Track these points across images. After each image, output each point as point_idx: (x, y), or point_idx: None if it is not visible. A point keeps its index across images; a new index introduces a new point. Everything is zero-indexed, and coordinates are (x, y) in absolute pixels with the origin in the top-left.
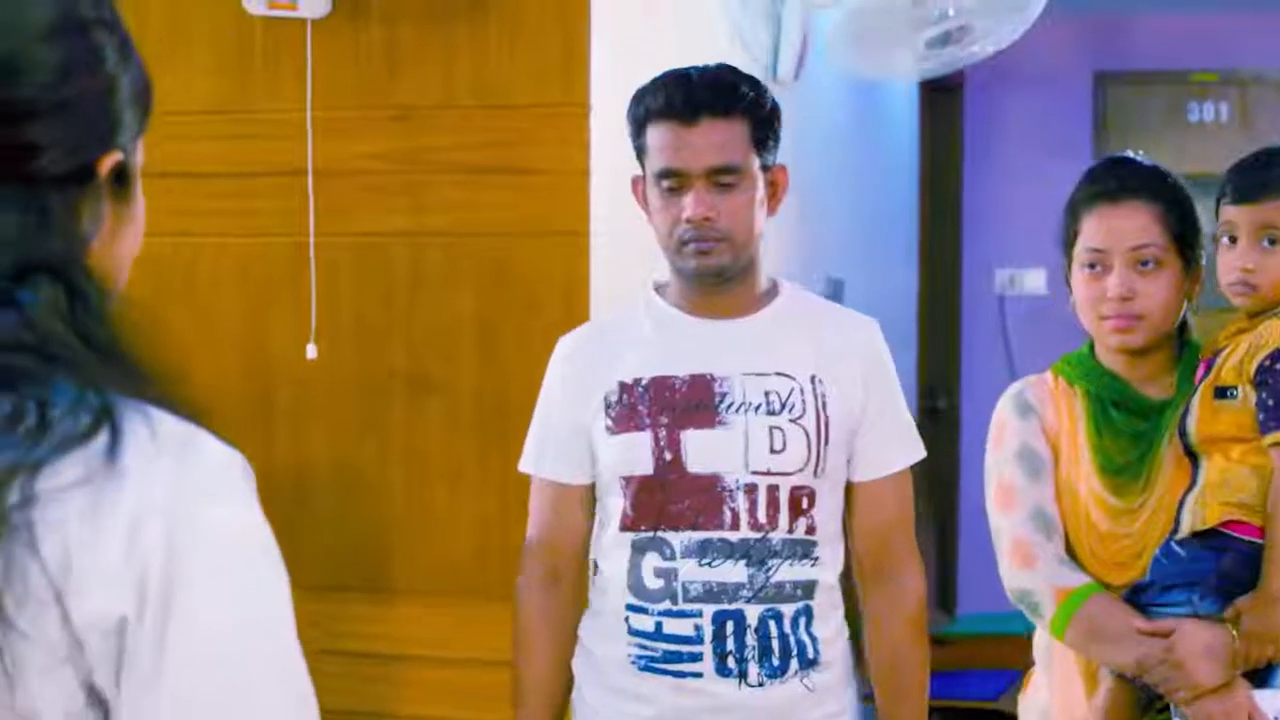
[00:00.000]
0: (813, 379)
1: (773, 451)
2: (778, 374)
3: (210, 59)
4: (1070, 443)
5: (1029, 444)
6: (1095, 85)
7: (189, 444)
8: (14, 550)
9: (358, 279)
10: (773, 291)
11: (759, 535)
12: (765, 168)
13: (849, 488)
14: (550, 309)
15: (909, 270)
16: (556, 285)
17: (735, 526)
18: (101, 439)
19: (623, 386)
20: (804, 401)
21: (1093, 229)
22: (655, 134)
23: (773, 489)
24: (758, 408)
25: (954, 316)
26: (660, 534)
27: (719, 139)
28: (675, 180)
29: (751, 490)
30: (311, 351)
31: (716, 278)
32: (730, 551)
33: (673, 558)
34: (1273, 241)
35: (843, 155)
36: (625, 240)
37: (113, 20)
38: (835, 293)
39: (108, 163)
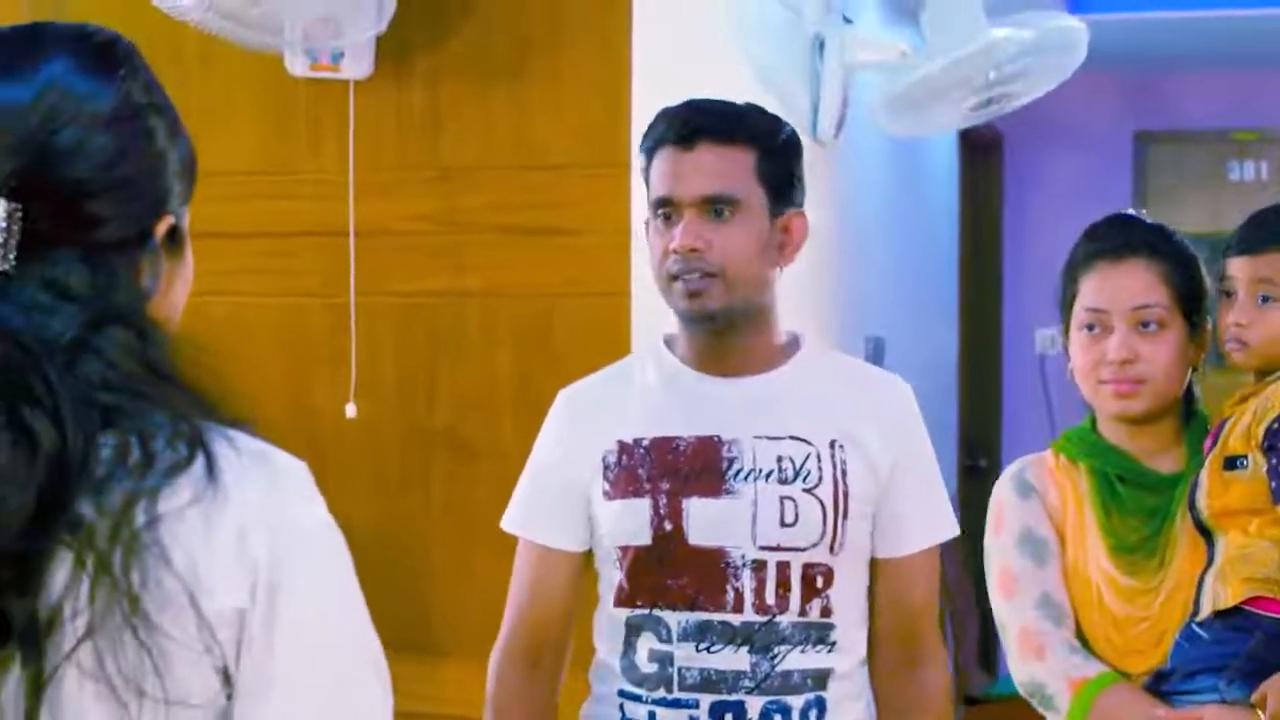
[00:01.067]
0: (832, 444)
1: (784, 524)
2: (792, 438)
3: (253, 120)
4: (1077, 524)
5: (1031, 527)
6: (1135, 143)
7: (267, 458)
8: (149, 563)
9: (398, 339)
10: (793, 347)
11: (765, 619)
12: (777, 210)
13: (872, 564)
14: (591, 369)
15: (949, 329)
16: (597, 346)
17: (739, 608)
18: (199, 463)
19: (622, 446)
20: (821, 469)
21: (1092, 289)
22: (656, 163)
23: (783, 566)
24: (769, 475)
25: (994, 375)
26: (656, 612)
27: (715, 165)
28: (668, 209)
29: (760, 568)
30: (351, 411)
31: (710, 322)
32: (732, 636)
33: (669, 640)
34: (1266, 299)
35: (883, 214)
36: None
37: (163, 104)
38: (876, 351)
39: (162, 227)
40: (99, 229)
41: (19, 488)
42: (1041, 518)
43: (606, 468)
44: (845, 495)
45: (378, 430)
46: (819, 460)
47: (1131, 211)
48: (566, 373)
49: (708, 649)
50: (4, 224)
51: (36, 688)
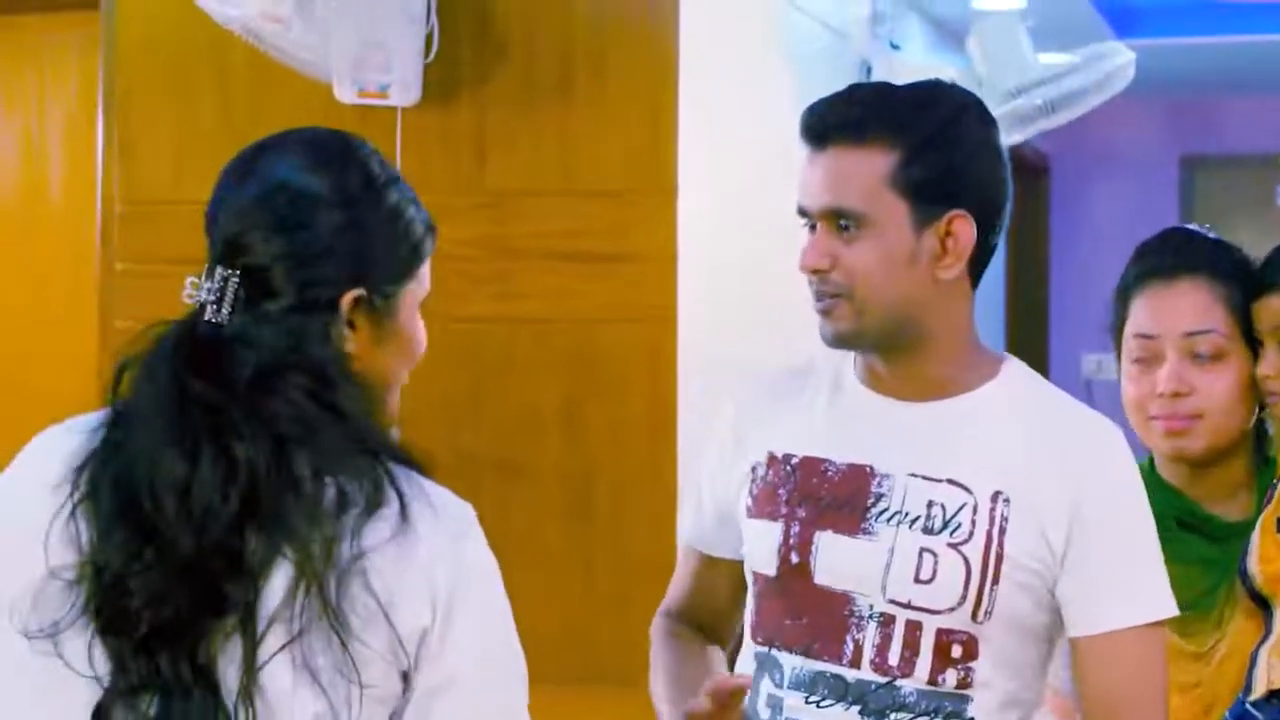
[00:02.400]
0: (995, 496)
1: (918, 580)
2: (950, 482)
3: None
4: None
5: None
6: (1182, 168)
7: (446, 502)
8: (354, 587)
9: (445, 363)
10: (989, 371)
11: (884, 680)
12: (927, 216)
13: (1072, 644)
14: (638, 394)
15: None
16: (644, 370)
17: (855, 663)
18: (395, 505)
19: (771, 460)
20: (974, 523)
21: (1142, 313)
22: (802, 160)
23: (913, 626)
24: (914, 521)
25: None
26: (774, 652)
27: (841, 173)
28: (806, 219)
29: (887, 623)
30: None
31: (846, 346)
32: (844, 692)
33: (781, 685)
34: None
35: None
36: (714, 325)
37: (375, 196)
38: None
39: (347, 299)
40: (279, 298)
41: (220, 493)
42: None
43: (753, 481)
44: (999, 559)
45: (423, 453)
46: (974, 512)
47: (1191, 226)
48: (613, 398)
49: (817, 702)
50: (220, 285)
51: (251, 666)
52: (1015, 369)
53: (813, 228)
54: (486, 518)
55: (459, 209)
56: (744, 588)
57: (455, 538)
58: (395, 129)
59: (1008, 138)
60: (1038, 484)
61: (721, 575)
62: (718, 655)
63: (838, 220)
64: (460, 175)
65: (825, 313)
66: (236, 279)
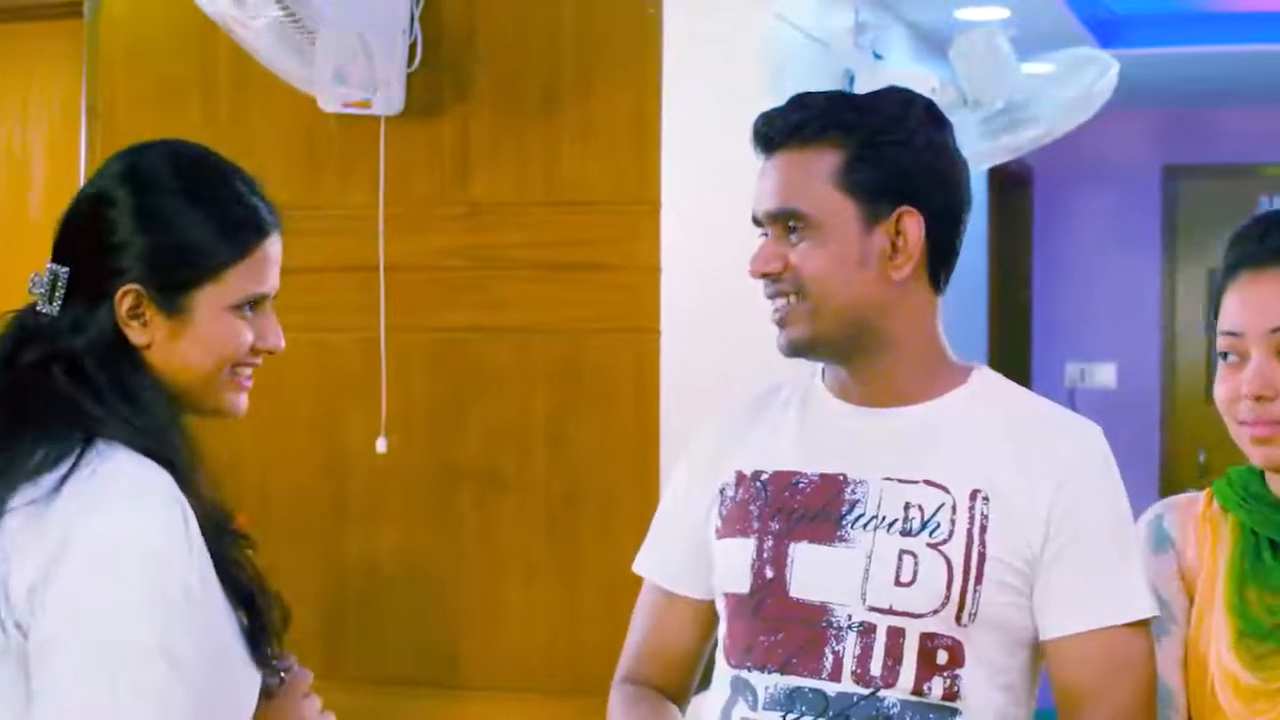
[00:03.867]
0: (974, 495)
1: (898, 583)
2: (926, 482)
3: (284, 156)
4: (1206, 592)
5: (1158, 589)
6: (1165, 178)
7: (119, 480)
8: None
9: (429, 374)
10: (957, 378)
11: (867, 691)
12: (877, 214)
13: (1044, 650)
14: (622, 406)
15: (979, 363)
16: (628, 382)
17: (836, 676)
18: (62, 472)
19: (739, 479)
20: (954, 522)
21: (1231, 306)
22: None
23: (895, 633)
24: (891, 525)
25: None
26: (746, 674)
27: (788, 176)
28: (759, 228)
29: (867, 632)
30: (382, 445)
31: (805, 354)
32: (823, 708)
33: (755, 707)
34: None
35: None
36: (698, 336)
37: (132, 198)
38: None
39: (119, 295)
40: (76, 293)
41: None
42: (1172, 578)
43: (721, 502)
44: (981, 558)
45: (408, 465)
46: (953, 512)
47: None
48: (597, 408)
49: None
50: (49, 280)
51: None
52: (987, 375)
53: (765, 237)
54: (471, 529)
55: (441, 219)
56: (707, 632)
57: (90, 509)
58: (379, 139)
59: (996, 159)
60: (1016, 482)
61: (683, 616)
62: (677, 717)
63: (787, 223)
64: (443, 185)
65: (780, 320)
66: (58, 274)
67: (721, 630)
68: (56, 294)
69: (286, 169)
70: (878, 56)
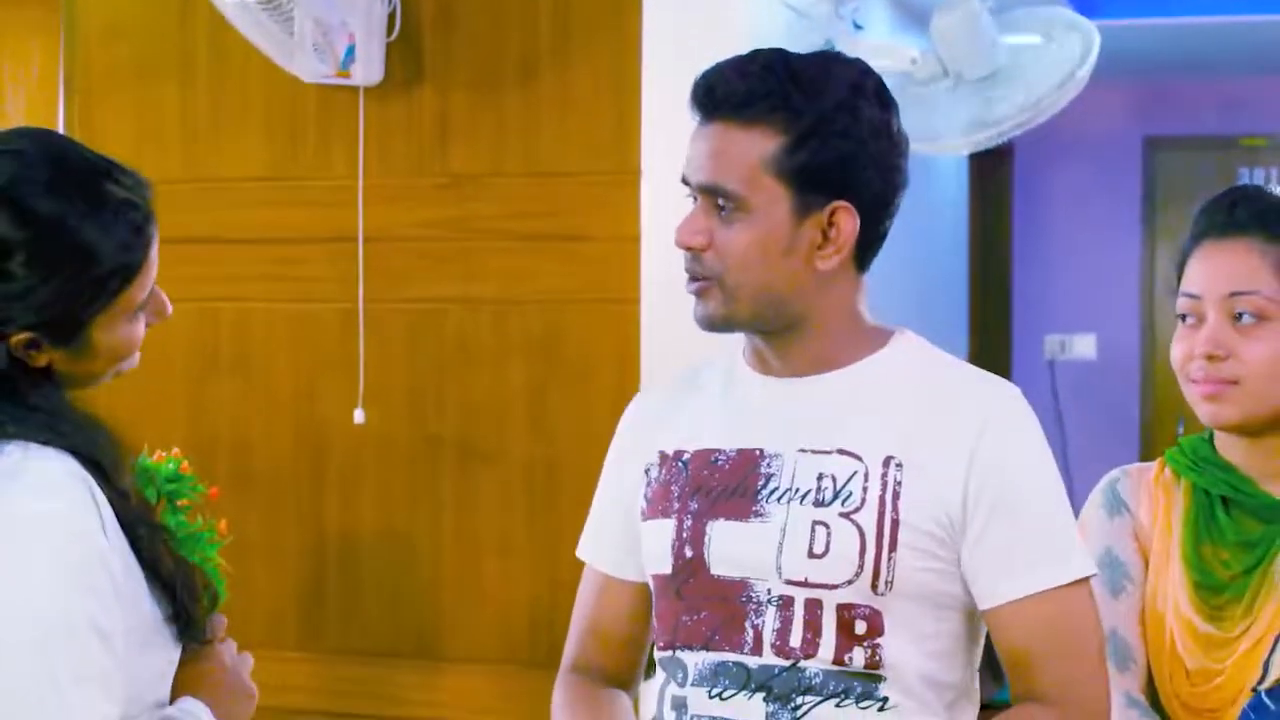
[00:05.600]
0: (886, 462)
1: (812, 555)
2: (840, 451)
3: (263, 127)
4: (1162, 550)
5: (1114, 550)
6: (1145, 150)
7: (21, 468)
8: None
9: (407, 345)
10: (876, 343)
11: (787, 663)
12: (809, 205)
13: (984, 620)
14: (601, 377)
15: (959, 337)
16: (608, 353)
17: (757, 650)
18: None
19: (662, 459)
20: (866, 490)
21: (1193, 271)
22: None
23: (813, 605)
24: (804, 496)
25: None
26: (677, 653)
27: (723, 151)
28: (688, 191)
29: (785, 605)
30: (359, 416)
31: (719, 331)
32: (746, 681)
33: (684, 684)
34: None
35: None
36: (678, 307)
37: (25, 242)
38: None
39: (14, 342)
40: None
41: None
42: (1127, 540)
43: (647, 483)
44: (894, 524)
45: (386, 436)
46: (865, 479)
47: (1258, 184)
48: (576, 380)
49: (719, 695)
50: None
51: None
52: (906, 340)
53: (693, 200)
54: (449, 500)
55: (421, 190)
56: (648, 614)
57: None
58: (357, 110)
59: (982, 144)
60: (930, 445)
61: (623, 599)
62: (624, 708)
63: (716, 199)
64: (422, 156)
65: (697, 293)
66: None
67: (653, 612)
68: None
69: (265, 140)
70: (858, 27)
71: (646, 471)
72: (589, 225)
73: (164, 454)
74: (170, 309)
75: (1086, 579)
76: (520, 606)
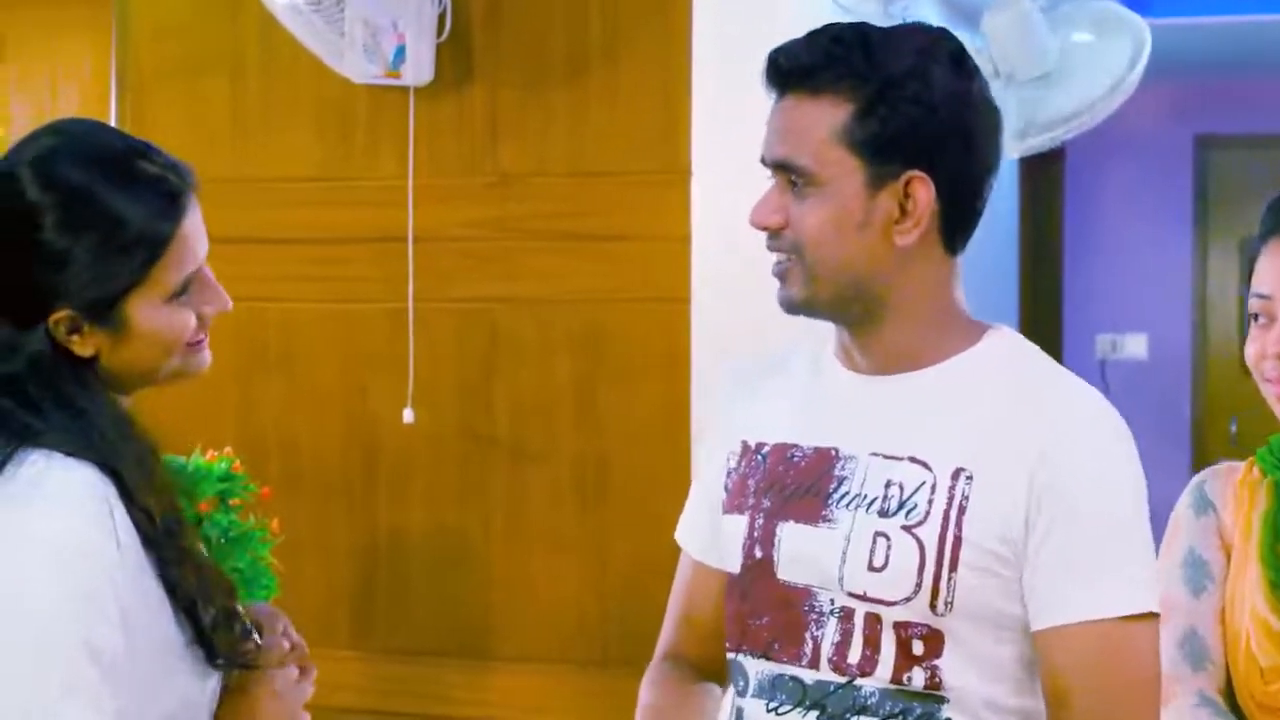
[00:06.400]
0: (956, 474)
1: (871, 568)
2: (911, 459)
3: (313, 127)
4: (1243, 547)
5: (1198, 550)
6: (1196, 149)
7: (42, 477)
8: None
9: (456, 344)
10: (968, 340)
11: (842, 680)
12: (883, 175)
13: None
14: (650, 376)
15: None
16: (657, 352)
17: (814, 664)
18: None
19: (744, 449)
20: (931, 503)
21: (1264, 270)
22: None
23: (873, 620)
24: (871, 503)
25: None
26: (739, 658)
27: (793, 125)
28: (769, 173)
29: (846, 618)
30: (409, 416)
31: (800, 313)
32: (801, 696)
33: (744, 693)
34: None
35: None
36: (728, 307)
37: (53, 206)
38: None
39: (53, 321)
40: None
41: None
42: (1211, 539)
43: (728, 474)
44: (957, 541)
45: (435, 435)
46: (932, 491)
47: None
48: (625, 378)
49: (776, 709)
50: None
51: None
52: (999, 338)
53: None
54: (498, 499)
55: (470, 190)
56: None
57: (8, 509)
58: (408, 110)
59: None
60: (1000, 459)
61: (711, 587)
62: (711, 699)
63: (789, 175)
64: (472, 156)
65: (779, 276)
66: None
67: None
68: None
69: (315, 140)
70: None
71: (729, 460)
72: (639, 224)
73: (216, 454)
74: (229, 302)
75: (1148, 616)
76: (569, 605)
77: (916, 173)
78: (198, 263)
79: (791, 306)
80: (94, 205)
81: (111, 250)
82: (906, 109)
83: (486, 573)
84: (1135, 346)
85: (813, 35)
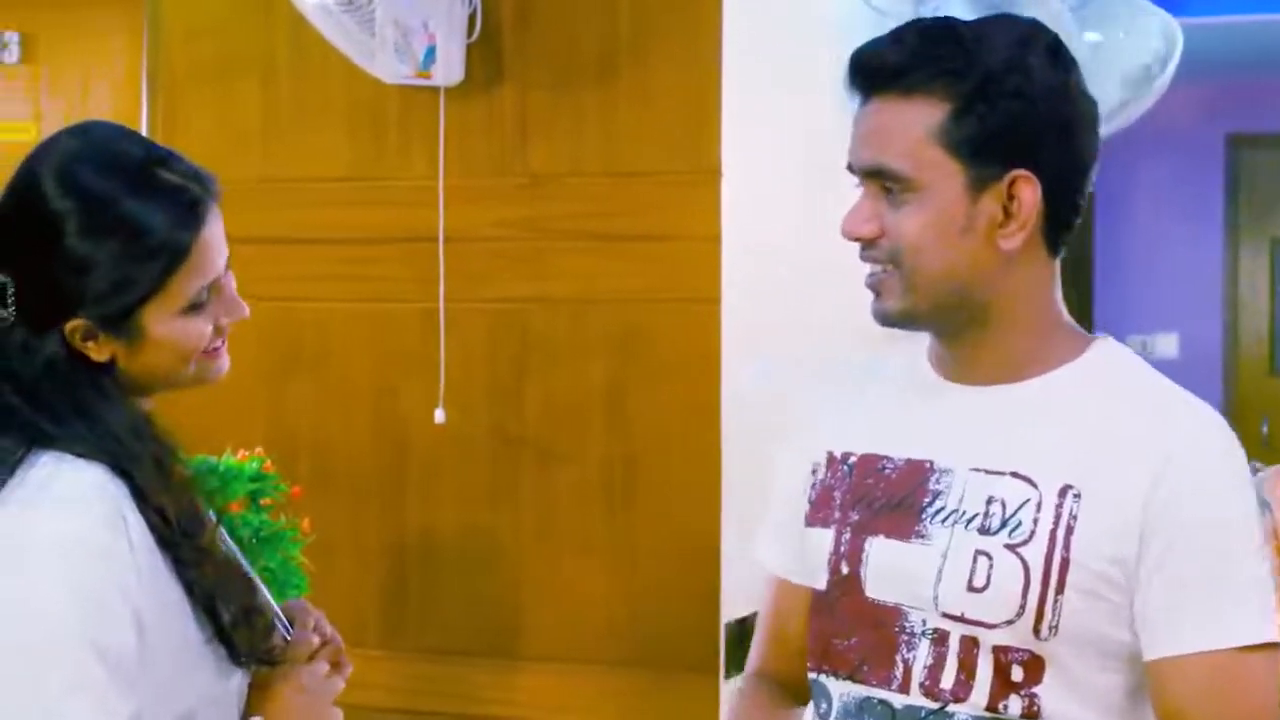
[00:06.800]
0: (1063, 491)
1: (971, 589)
2: (1014, 474)
3: (344, 127)
4: None
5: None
6: (1227, 148)
7: (50, 480)
8: None
9: (487, 345)
10: (1072, 351)
11: (934, 706)
12: (986, 176)
13: (1145, 671)
14: (680, 377)
15: None
16: (687, 353)
17: (904, 688)
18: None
19: (830, 460)
20: (1037, 521)
21: None
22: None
23: (969, 643)
24: (970, 520)
25: None
26: (822, 679)
27: (885, 128)
28: (855, 179)
29: (940, 640)
30: (440, 416)
31: (899, 326)
32: None
33: (827, 716)
34: None
35: None
36: (759, 307)
37: (72, 212)
38: None
39: (69, 330)
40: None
41: None
42: (1268, 538)
43: (812, 485)
44: (1064, 563)
45: (466, 436)
46: (1038, 509)
47: None
48: (655, 380)
49: None
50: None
51: None
52: (1106, 348)
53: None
54: (528, 500)
55: (500, 190)
56: None
57: (18, 510)
58: (438, 110)
59: None
60: (1110, 478)
61: (797, 604)
62: None
63: (883, 181)
64: (502, 156)
65: (874, 288)
66: (5, 284)
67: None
68: (8, 301)
69: (346, 140)
70: None
71: (813, 471)
72: (668, 225)
73: (247, 454)
74: (247, 311)
75: (1268, 646)
76: (598, 606)
77: (1021, 172)
78: (216, 273)
79: (887, 319)
80: (115, 213)
81: (130, 259)
82: (1006, 105)
83: (516, 573)
84: (1166, 346)
85: (898, 33)
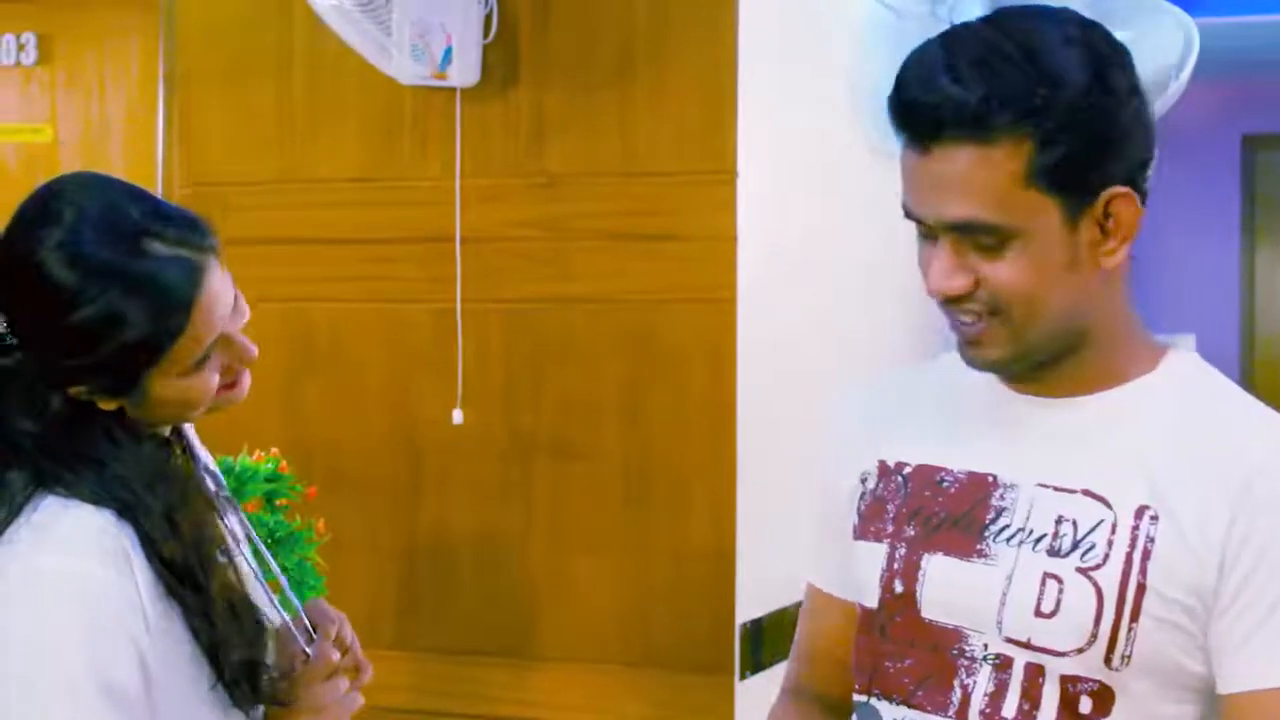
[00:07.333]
0: (1140, 512)
1: (1039, 613)
2: (1086, 493)
3: (360, 127)
4: None
5: None
6: (1244, 148)
7: (52, 522)
8: None
9: (504, 345)
10: (1147, 363)
11: None
12: (1081, 204)
13: (1218, 706)
14: (697, 377)
15: None
16: (703, 353)
17: (962, 715)
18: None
19: (881, 469)
20: (1111, 544)
21: None
22: (901, 154)
23: (1034, 671)
24: (1038, 541)
25: None
26: (873, 701)
27: (965, 179)
28: (922, 226)
29: (1003, 666)
30: (458, 417)
31: (1002, 372)
32: None
33: None
34: None
35: None
36: (775, 307)
37: (83, 287)
38: None
39: (73, 393)
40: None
41: None
42: None
43: (861, 496)
44: (1140, 589)
45: (484, 437)
46: (1113, 531)
47: None
48: (672, 379)
49: None
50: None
51: None
52: (1180, 360)
53: (925, 237)
54: (544, 500)
55: (517, 190)
56: None
57: (24, 550)
58: (454, 110)
59: None
60: (1189, 496)
61: (840, 619)
62: None
63: (972, 235)
64: (519, 157)
65: (973, 341)
66: (3, 334)
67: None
68: (8, 341)
69: (362, 140)
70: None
71: (863, 481)
72: (684, 224)
73: (263, 454)
74: (255, 352)
75: None
76: (613, 606)
77: (1116, 189)
78: (218, 331)
79: (991, 367)
80: (108, 298)
81: (125, 344)
82: (1090, 128)
83: (531, 573)
84: (1183, 348)
85: (951, 68)
